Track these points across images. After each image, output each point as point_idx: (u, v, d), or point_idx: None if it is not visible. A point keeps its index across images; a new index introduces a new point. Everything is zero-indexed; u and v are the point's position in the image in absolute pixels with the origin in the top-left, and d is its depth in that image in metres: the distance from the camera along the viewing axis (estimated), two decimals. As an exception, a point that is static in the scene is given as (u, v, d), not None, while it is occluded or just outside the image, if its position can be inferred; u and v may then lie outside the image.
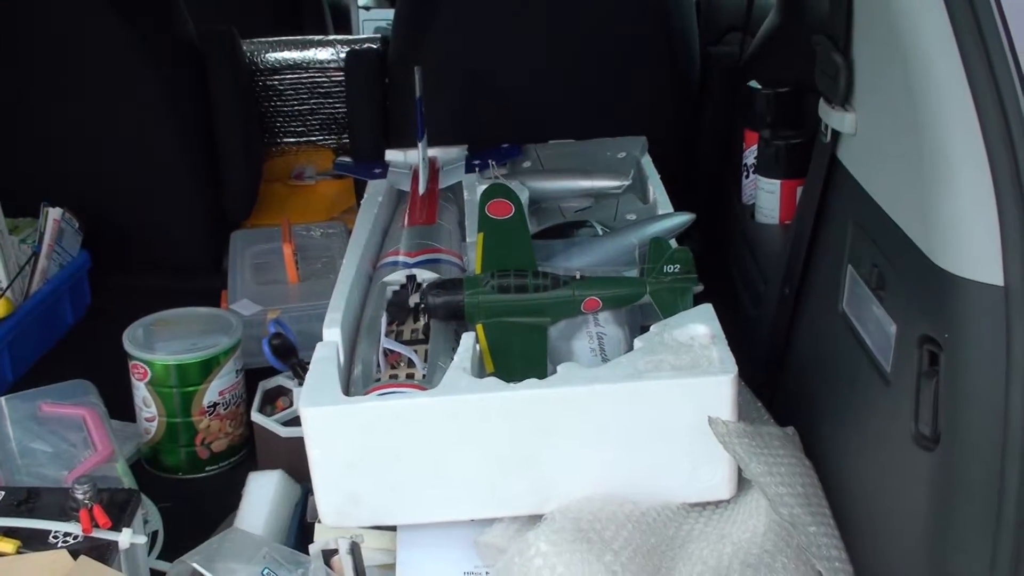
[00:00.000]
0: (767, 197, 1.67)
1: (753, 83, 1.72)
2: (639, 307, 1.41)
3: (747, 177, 1.76)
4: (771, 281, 1.50)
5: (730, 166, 1.90)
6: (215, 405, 1.55)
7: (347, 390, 1.26)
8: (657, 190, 1.66)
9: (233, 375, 1.57)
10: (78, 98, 2.01)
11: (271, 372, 1.59)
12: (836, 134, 1.28)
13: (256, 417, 1.52)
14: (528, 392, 1.18)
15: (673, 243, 1.48)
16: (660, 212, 1.59)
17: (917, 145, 1.01)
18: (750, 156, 1.74)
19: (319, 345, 1.29)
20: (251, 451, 1.58)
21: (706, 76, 2.09)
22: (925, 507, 1.00)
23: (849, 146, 1.27)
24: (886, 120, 1.12)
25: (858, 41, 1.21)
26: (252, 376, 1.61)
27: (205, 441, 1.57)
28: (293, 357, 1.54)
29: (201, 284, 1.94)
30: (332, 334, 1.30)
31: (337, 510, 1.20)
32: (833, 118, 1.26)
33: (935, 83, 0.99)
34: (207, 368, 1.53)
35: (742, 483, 1.22)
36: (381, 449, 1.18)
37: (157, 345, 1.55)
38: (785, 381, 1.44)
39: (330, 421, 1.18)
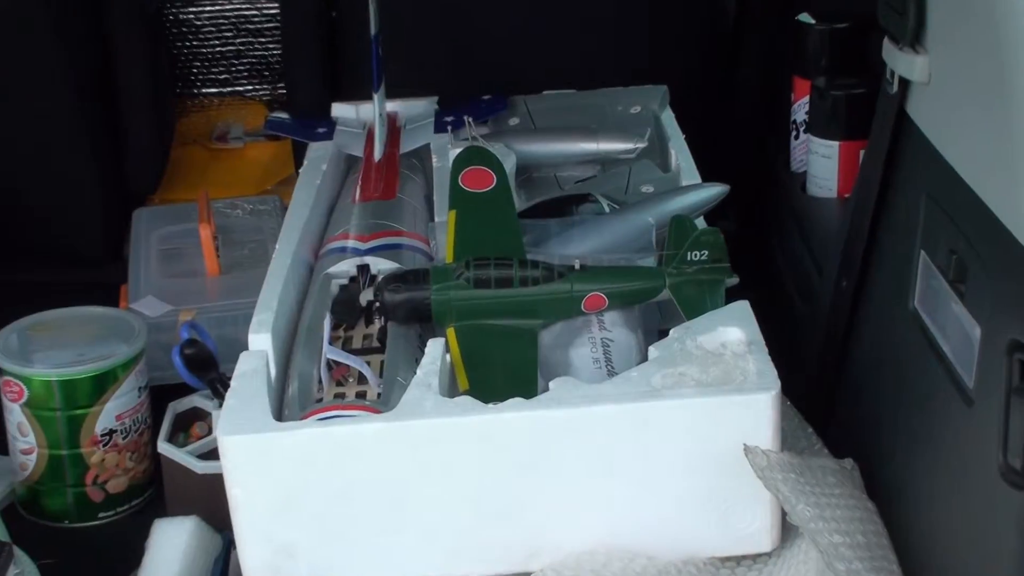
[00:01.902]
0: (822, 163, 1.68)
1: (804, 17, 1.74)
2: (656, 306, 1.43)
3: (796, 138, 1.78)
4: (826, 271, 1.51)
5: (775, 124, 1.91)
6: (111, 433, 1.56)
7: (280, 413, 1.27)
8: (680, 155, 1.67)
9: (135, 394, 1.57)
10: None
11: (184, 391, 1.59)
12: (905, 83, 1.29)
13: (164, 448, 1.53)
14: (512, 415, 1.19)
15: (700, 223, 1.49)
16: (684, 183, 1.60)
17: (1007, 96, 1.02)
18: (800, 111, 1.75)
19: (243, 356, 1.30)
20: (158, 492, 1.59)
21: (745, 7, 2.10)
22: (1015, 560, 1.01)
23: (921, 98, 1.28)
24: (967, 64, 1.13)
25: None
26: (159, 396, 1.62)
27: (99, 479, 1.57)
28: (212, 371, 1.54)
29: (94, 277, 1.95)
30: (260, 341, 1.31)
31: (266, 565, 1.21)
32: (900, 63, 1.27)
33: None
34: (101, 385, 1.54)
35: (787, 531, 1.23)
36: (323, 488, 1.19)
37: (36, 356, 1.56)
38: (843, 400, 1.45)
39: (257, 453, 1.19)
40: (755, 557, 1.23)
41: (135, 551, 1.38)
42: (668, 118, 1.80)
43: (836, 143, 1.65)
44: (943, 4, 1.21)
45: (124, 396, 1.56)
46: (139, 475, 1.61)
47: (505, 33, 2.05)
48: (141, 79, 2.14)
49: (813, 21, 1.72)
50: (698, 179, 1.60)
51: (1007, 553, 1.03)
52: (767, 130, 1.97)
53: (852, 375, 1.45)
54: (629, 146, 1.71)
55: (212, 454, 1.47)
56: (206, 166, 2.31)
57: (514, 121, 1.86)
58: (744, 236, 2.08)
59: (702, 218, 1.52)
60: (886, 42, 1.32)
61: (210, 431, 1.55)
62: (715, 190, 1.52)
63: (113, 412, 1.55)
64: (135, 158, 2.16)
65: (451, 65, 2.04)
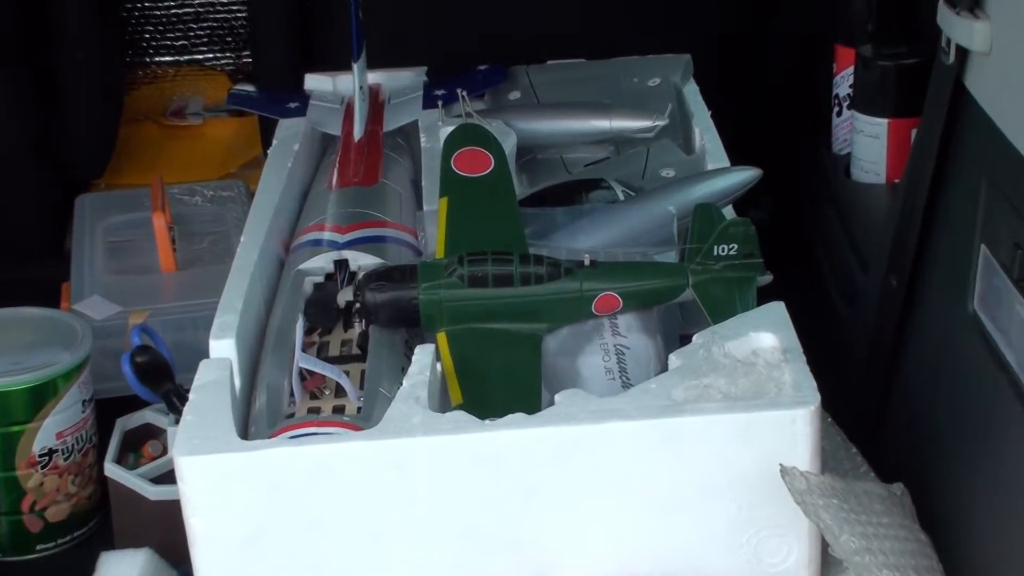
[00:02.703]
0: (868, 144, 1.69)
1: (847, -27, 1.75)
2: (678, 308, 1.43)
3: (839, 114, 1.79)
4: (872, 268, 1.53)
5: (814, 99, 1.92)
6: (51, 453, 1.57)
7: (245, 430, 1.28)
8: (706, 134, 1.68)
9: (78, 408, 1.58)
10: None
11: (135, 404, 1.60)
12: (963, 53, 1.29)
13: (112, 470, 1.54)
14: (512, 433, 1.19)
15: (729, 212, 1.50)
16: (710, 166, 1.61)
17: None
18: (843, 84, 1.77)
19: (204, 364, 1.30)
20: (105, 521, 1.60)
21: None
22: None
23: (981, 70, 1.28)
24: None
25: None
26: (107, 410, 1.63)
27: (37, 506, 1.58)
28: (167, 382, 1.55)
29: (31, 273, 1.97)
30: (223, 347, 1.32)
31: None
32: (957, 29, 1.27)
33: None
34: (39, 398, 1.55)
35: (827, 566, 1.24)
36: (296, 517, 1.20)
37: (-36, 364, 1.57)
38: (892, 416, 1.47)
39: (220, 476, 1.19)
40: (792, 595, 1.24)
41: (79, 589, 1.39)
42: (692, 92, 1.80)
43: (884, 121, 1.66)
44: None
45: (66, 411, 1.57)
46: (83, 501, 1.61)
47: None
48: (83, 46, 2.15)
49: None
50: (726, 162, 1.61)
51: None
52: (805, 106, 1.98)
53: (903, 387, 1.46)
54: (647, 124, 1.72)
55: (167, 477, 1.48)
56: (160, 146, 2.32)
57: (515, 95, 1.87)
58: (779, 227, 2.09)
59: (731, 207, 1.52)
60: (941, 5, 1.32)
61: (165, 451, 1.55)
62: (746, 175, 1.52)
63: (53, 429, 1.56)
64: (77, 137, 2.17)
65: (442, 30, 2.06)
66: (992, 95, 1.26)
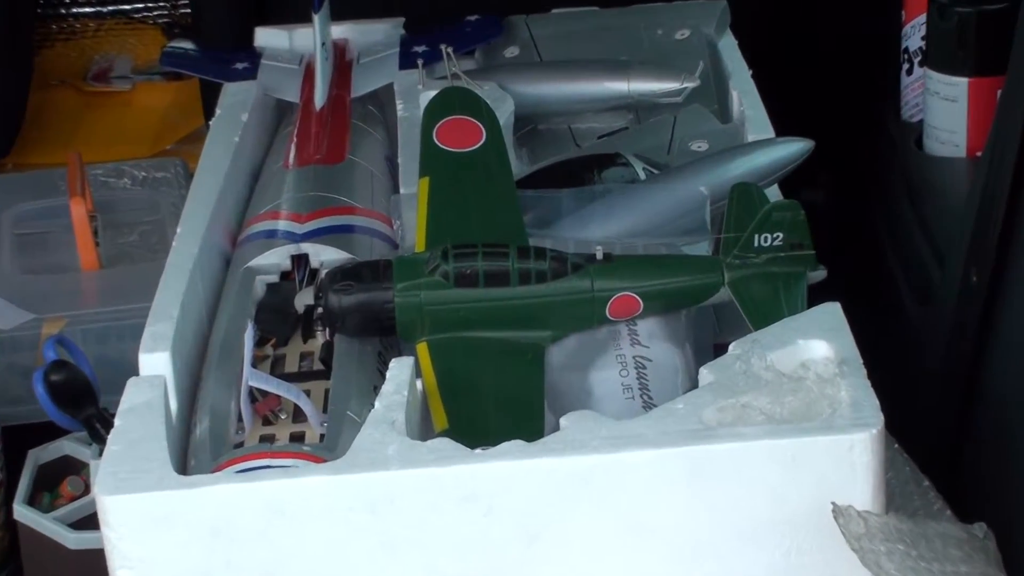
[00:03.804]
0: (945, 108, 1.70)
1: None
2: (711, 310, 1.45)
3: (909, 73, 1.81)
4: (950, 261, 1.54)
5: (878, 54, 1.94)
6: None
7: (184, 463, 1.29)
8: (746, 98, 1.70)
9: None
10: None
11: (49, 434, 1.62)
12: None
13: (23, 513, 1.55)
14: (508, 465, 1.20)
15: (774, 193, 1.51)
16: (750, 138, 1.62)
17: None
18: (914, 35, 1.78)
19: (132, 383, 1.31)
20: (15, 573, 1.61)
21: None
22: None
23: None
24: None
25: None
26: (16, 440, 1.64)
27: None
28: (89, 405, 1.56)
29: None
30: (157, 362, 1.33)
31: None
32: None
33: None
34: None
35: (894, 625, 1.25)
36: (245, 567, 1.21)
37: None
38: (974, 442, 1.48)
39: (152, 518, 1.20)
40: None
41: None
42: (728, 46, 1.82)
43: (964, 80, 1.67)
44: None
45: (-35, 441, 1.58)
46: (-13, 550, 1.63)
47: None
48: None
49: None
50: (770, 132, 1.62)
51: None
52: (867, 63, 2.00)
53: (986, 406, 1.47)
54: (673, 86, 1.73)
55: (90, 521, 1.48)
56: (80, 116, 2.35)
57: (512, 51, 1.89)
58: (837, 211, 2.10)
59: (776, 187, 1.54)
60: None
61: (87, 489, 1.57)
62: (794, 147, 1.54)
63: (-50, 463, 1.58)
64: None
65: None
66: None
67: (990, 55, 1.63)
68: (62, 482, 1.60)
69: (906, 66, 1.80)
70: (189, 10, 2.37)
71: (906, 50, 1.80)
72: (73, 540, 1.51)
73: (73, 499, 1.57)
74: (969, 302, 1.48)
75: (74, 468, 1.61)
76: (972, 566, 1.24)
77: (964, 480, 1.45)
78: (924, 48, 1.75)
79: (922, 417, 1.52)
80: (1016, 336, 1.43)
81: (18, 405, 1.66)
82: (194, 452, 1.31)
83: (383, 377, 1.30)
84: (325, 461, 1.23)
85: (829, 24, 2.16)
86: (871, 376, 1.25)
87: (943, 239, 1.59)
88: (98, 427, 1.55)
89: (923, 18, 1.74)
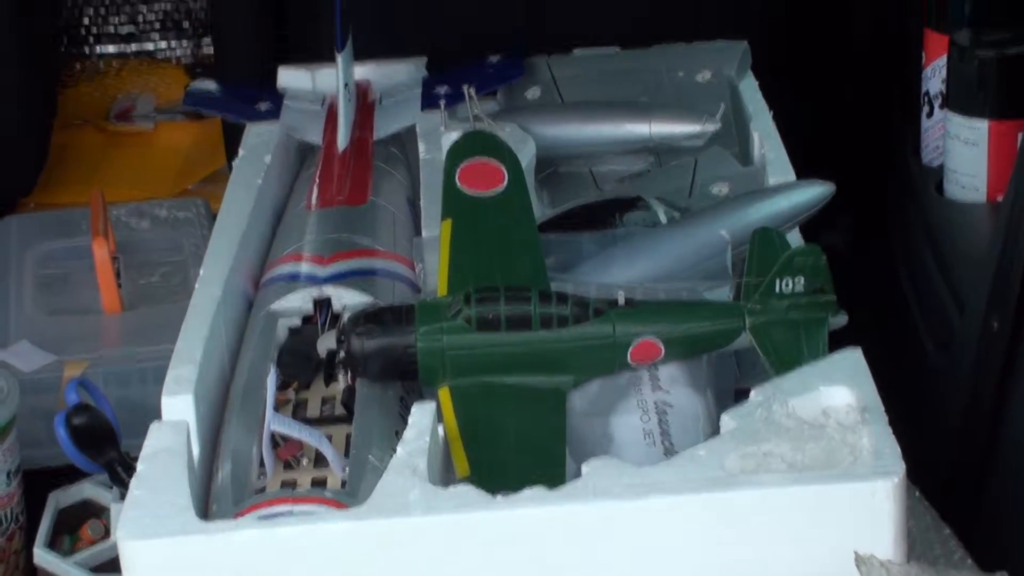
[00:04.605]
0: (965, 152, 1.70)
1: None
2: (732, 356, 1.45)
3: (930, 116, 1.81)
4: (971, 307, 1.54)
5: (900, 96, 1.94)
6: None
7: (206, 508, 1.29)
8: (767, 140, 1.70)
9: (1, 481, 1.60)
10: None
11: (71, 477, 1.61)
12: None
13: (43, 557, 1.55)
14: (530, 512, 1.20)
15: (795, 238, 1.51)
16: (772, 181, 1.62)
17: None
18: (935, 78, 1.78)
19: (155, 428, 1.32)
20: (35, 616, 1.62)
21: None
22: None
23: None
24: None
25: None
26: (37, 483, 1.64)
27: None
28: (109, 447, 1.56)
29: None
30: (179, 406, 1.34)
31: None
32: None
33: None
34: None
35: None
36: None
37: None
38: (995, 490, 1.47)
39: (174, 564, 1.20)
40: None
41: None
42: (749, 88, 1.83)
43: (985, 123, 1.67)
44: None
45: (-13, 483, 1.59)
46: (8, 593, 1.63)
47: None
48: (6, 33, 2.19)
49: None
50: (791, 175, 1.62)
51: None
52: (888, 106, 2.00)
53: (1007, 455, 1.47)
54: (695, 129, 1.74)
55: (110, 566, 1.49)
56: (102, 156, 2.36)
57: (534, 93, 1.90)
58: (858, 256, 2.10)
59: (798, 231, 1.54)
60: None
61: (107, 533, 1.57)
62: (816, 191, 1.54)
63: (-28, 505, 1.59)
64: (0, 146, 2.20)
65: (446, 13, 2.09)
66: None
67: (1011, 98, 1.64)
68: (83, 526, 1.60)
69: (926, 109, 1.81)
70: (212, 50, 2.39)
71: (926, 93, 1.80)
72: (93, 584, 1.52)
73: (93, 543, 1.57)
74: (990, 350, 1.48)
75: (95, 512, 1.61)
76: (994, 615, 1.25)
77: (985, 529, 1.45)
78: (944, 91, 1.74)
79: (943, 466, 1.52)
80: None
81: (40, 448, 1.65)
82: (216, 497, 1.31)
83: (405, 422, 1.30)
84: (347, 507, 1.23)
85: (851, 66, 2.17)
86: (893, 423, 1.25)
87: (963, 285, 1.59)
88: (119, 471, 1.55)
89: (943, 61, 1.74)
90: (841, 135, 2.16)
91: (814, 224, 1.56)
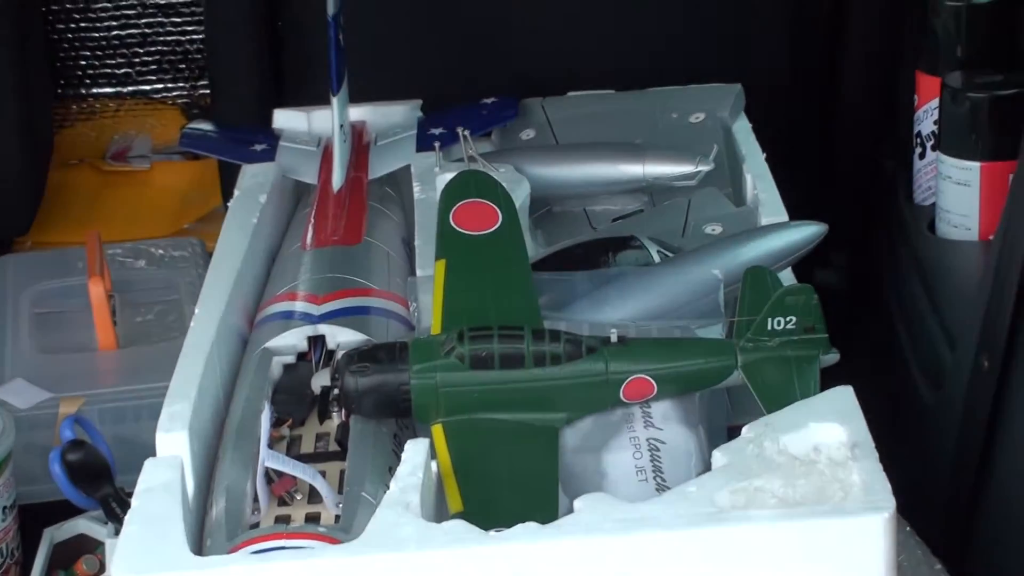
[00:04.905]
0: (957, 192, 1.71)
1: (932, -15, 1.78)
2: (725, 393, 1.46)
3: (922, 157, 1.82)
4: (962, 346, 1.55)
5: (893, 138, 1.95)
6: None
7: (200, 543, 1.29)
8: (760, 181, 1.71)
9: None
10: None
11: (67, 512, 1.62)
12: None
13: None
14: (522, 547, 1.20)
15: (788, 277, 1.53)
16: (765, 221, 1.64)
17: None
18: (927, 119, 1.79)
19: (150, 464, 1.32)
20: (29, 652, 1.62)
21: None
22: None
23: None
24: None
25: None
26: (32, 519, 1.66)
27: None
28: (105, 484, 1.57)
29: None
30: (174, 442, 1.34)
31: None
32: None
33: None
34: None
35: None
36: None
37: None
38: (985, 525, 1.48)
39: None
40: None
41: None
42: (742, 130, 1.84)
43: (977, 164, 1.68)
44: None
45: (-17, 518, 1.60)
46: (2, 629, 1.64)
47: (518, 12, 2.12)
48: (3, 73, 2.20)
49: None
50: (784, 215, 1.63)
51: None
52: (882, 147, 2.01)
53: (996, 490, 1.47)
54: (688, 169, 1.75)
55: None
56: (98, 196, 2.37)
57: (528, 134, 1.91)
58: (851, 294, 2.11)
59: (790, 270, 1.55)
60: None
61: (102, 568, 1.58)
62: (808, 231, 1.55)
63: (-32, 541, 1.59)
64: None
65: (441, 55, 2.10)
66: None
67: (1002, 140, 1.64)
68: (77, 561, 1.62)
69: (919, 150, 1.82)
70: (208, 91, 2.40)
71: (919, 134, 1.81)
72: (88, 621, 1.53)
73: (88, 578, 1.58)
74: (980, 388, 1.49)
75: (89, 547, 1.62)
76: (982, 648, 1.26)
77: (975, 564, 1.46)
78: (937, 132, 1.76)
79: (934, 501, 1.53)
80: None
81: (35, 484, 1.67)
82: (210, 532, 1.32)
83: (398, 458, 1.31)
84: (340, 542, 1.24)
85: (844, 108, 2.18)
86: (884, 459, 1.25)
87: (955, 323, 1.60)
88: (114, 506, 1.56)
89: (936, 103, 1.75)
90: (836, 176, 2.17)
91: (809, 262, 1.57)
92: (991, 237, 1.60)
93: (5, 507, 1.62)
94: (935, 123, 1.77)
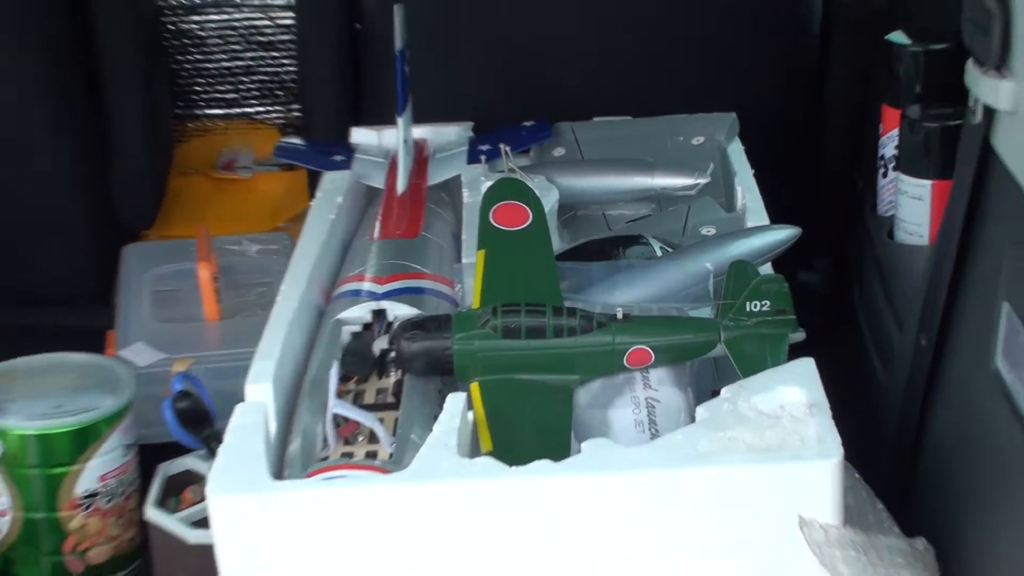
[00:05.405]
0: (912, 205, 1.71)
1: (896, 36, 1.78)
2: (712, 363, 1.48)
3: (885, 175, 1.82)
4: (907, 329, 1.57)
5: (863, 161, 1.97)
6: (93, 495, 1.63)
7: (279, 472, 1.33)
8: (748, 193, 1.73)
9: (120, 453, 1.64)
10: None
11: (176, 451, 1.66)
12: (989, 112, 1.34)
13: (153, 514, 1.59)
14: (537, 480, 1.24)
15: (768, 270, 1.54)
16: (750, 224, 1.66)
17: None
18: (889, 145, 1.80)
19: (239, 408, 1.36)
20: (145, 564, 1.66)
21: (832, 26, 2.18)
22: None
23: (1007, 129, 1.33)
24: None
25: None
26: (149, 456, 1.68)
27: (78, 548, 1.64)
28: (206, 427, 1.62)
29: (79, 323, 2.04)
30: (259, 392, 1.37)
31: None
32: (983, 88, 1.32)
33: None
34: (82, 441, 1.61)
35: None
36: (326, 557, 1.25)
37: (11, 407, 1.62)
38: (921, 475, 1.50)
39: (250, 514, 1.24)
40: (814, 647, 1.28)
41: (115, 631, 1.43)
42: (736, 151, 1.85)
43: (928, 182, 1.68)
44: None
45: (108, 454, 1.62)
46: (124, 544, 1.67)
47: (553, 51, 2.14)
48: (133, 99, 2.24)
49: (907, 41, 1.75)
50: (766, 221, 1.65)
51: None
52: (853, 168, 2.04)
53: (931, 446, 1.49)
54: (688, 182, 1.77)
55: (207, 522, 1.49)
56: (209, 198, 2.39)
57: (559, 151, 1.92)
58: (828, 290, 2.14)
59: (770, 265, 1.56)
60: (970, 65, 1.36)
61: (204, 496, 1.61)
62: (784, 233, 1.57)
63: (96, 472, 1.62)
64: (126, 189, 2.25)
65: (490, 86, 2.13)
66: (1017, 154, 1.30)
67: (950, 162, 1.63)
68: (185, 490, 1.65)
69: (882, 170, 1.82)
70: (299, 113, 2.43)
71: (882, 157, 1.81)
72: (192, 536, 1.56)
73: (193, 504, 1.61)
74: (919, 362, 1.50)
75: (195, 479, 1.64)
76: (912, 571, 1.27)
77: (912, 505, 1.48)
78: (897, 155, 1.76)
79: (882, 454, 1.55)
80: (953, 389, 1.46)
81: (151, 427, 1.69)
82: (288, 464, 1.35)
83: (441, 408, 1.34)
84: (391, 472, 1.27)
85: (823, 135, 2.20)
86: (846, 421, 1.28)
87: (904, 312, 1.61)
88: (214, 446, 1.55)
89: (897, 131, 1.75)
90: (818, 192, 2.18)
91: (793, 265, 1.58)
92: (936, 241, 1.63)
93: (127, 445, 1.65)
94: (896, 148, 1.77)
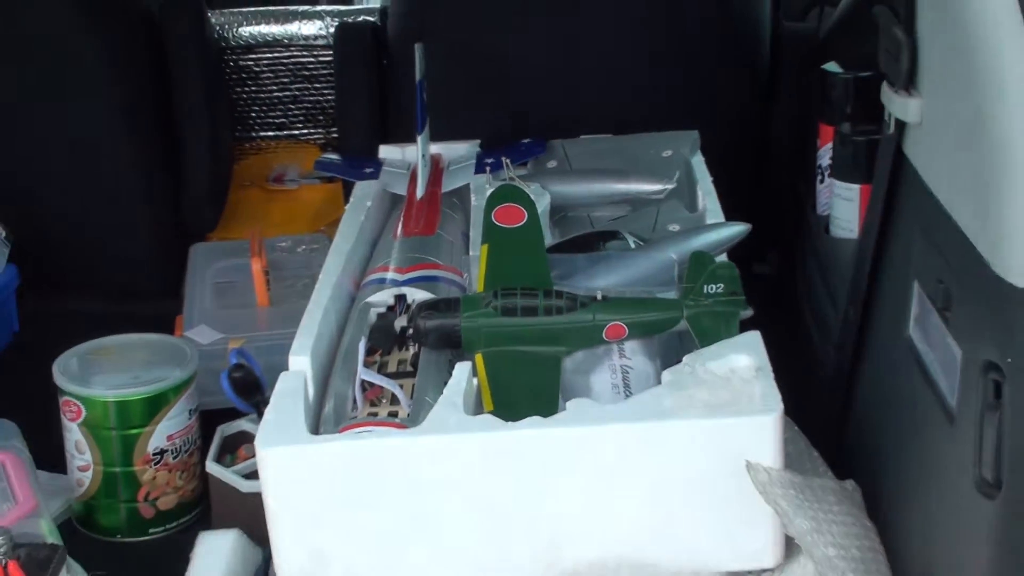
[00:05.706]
0: (844, 205, 1.72)
1: (831, 65, 1.79)
2: (677, 336, 1.48)
3: (822, 181, 1.82)
4: (839, 305, 1.57)
5: (803, 169, 1.97)
6: (162, 452, 1.64)
7: (316, 429, 1.34)
8: (708, 196, 1.73)
9: (185, 416, 1.66)
10: None
11: (232, 415, 1.68)
12: (901, 125, 1.36)
13: (212, 468, 1.61)
14: (526, 432, 1.25)
15: (723, 258, 1.54)
16: (709, 222, 1.65)
17: (981, 136, 1.10)
18: (825, 156, 1.80)
19: (283, 375, 1.37)
20: (206, 510, 1.67)
21: (778, 58, 2.19)
22: (987, 568, 1.07)
23: (915, 139, 1.35)
24: (951, 106, 1.21)
25: (923, 11, 1.30)
26: (209, 420, 1.70)
27: (150, 496, 1.66)
28: (257, 394, 1.63)
29: (153, 310, 2.04)
30: (299, 363, 1.39)
31: (300, 571, 1.28)
32: (895, 104, 1.34)
33: (999, 59, 1.07)
34: (154, 406, 1.63)
35: (791, 548, 1.29)
36: (352, 498, 1.27)
37: (94, 378, 1.64)
38: (850, 427, 1.52)
39: (291, 464, 1.26)
40: (760, 572, 1.29)
41: (183, 566, 1.44)
42: (698, 162, 1.84)
43: (856, 186, 1.68)
44: (935, 49, 1.27)
45: (175, 418, 1.64)
46: (188, 493, 1.68)
47: (547, 83, 2.15)
48: (201, 122, 2.25)
49: (839, 70, 1.76)
50: (722, 219, 1.65)
51: (981, 562, 1.09)
52: (798, 175, 2.03)
53: (857, 402, 1.51)
54: (658, 187, 1.77)
55: (257, 474, 1.54)
56: (263, 207, 2.39)
57: (552, 163, 1.93)
58: (779, 279, 2.15)
59: (726, 255, 1.56)
60: (884, 86, 1.38)
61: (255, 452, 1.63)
62: (736, 229, 1.57)
63: (165, 432, 1.63)
64: (195, 199, 2.26)
65: (495, 112, 2.13)
66: (922, 159, 1.32)
67: (874, 169, 1.66)
68: (239, 448, 1.67)
69: (820, 177, 1.83)
70: (337, 134, 2.44)
71: (820, 166, 1.82)
72: (245, 486, 1.58)
73: (246, 459, 1.63)
74: (847, 331, 1.52)
75: (248, 439, 1.66)
76: (842, 507, 1.28)
77: (843, 453, 1.49)
78: (831, 164, 1.77)
79: (818, 410, 1.56)
80: (875, 354, 1.47)
81: (211, 395, 1.71)
82: (323, 423, 1.36)
83: (451, 376, 1.35)
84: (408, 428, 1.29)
85: (772, 149, 2.21)
86: (785, 381, 1.29)
87: (838, 293, 1.62)
88: (264, 410, 1.60)
89: (831, 144, 1.76)
90: (769, 196, 2.18)
91: (749, 258, 1.61)
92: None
93: (191, 410, 1.66)
94: (831, 158, 1.77)
